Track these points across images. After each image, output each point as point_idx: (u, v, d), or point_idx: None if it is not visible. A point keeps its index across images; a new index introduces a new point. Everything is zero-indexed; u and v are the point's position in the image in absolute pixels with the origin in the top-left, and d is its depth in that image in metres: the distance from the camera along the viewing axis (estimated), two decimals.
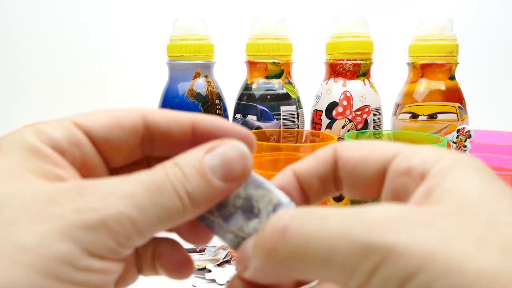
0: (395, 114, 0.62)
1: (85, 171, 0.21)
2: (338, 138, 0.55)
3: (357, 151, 0.20)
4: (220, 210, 0.21)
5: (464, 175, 0.17)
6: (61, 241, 0.16)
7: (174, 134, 0.22)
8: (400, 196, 0.19)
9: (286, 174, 0.22)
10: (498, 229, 0.14)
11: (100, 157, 0.21)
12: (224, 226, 0.21)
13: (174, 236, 0.24)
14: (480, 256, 0.13)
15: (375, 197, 0.21)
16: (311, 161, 0.22)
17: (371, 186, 0.20)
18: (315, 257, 0.15)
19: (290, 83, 0.59)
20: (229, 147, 0.20)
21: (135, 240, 0.18)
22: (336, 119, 0.57)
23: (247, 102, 0.58)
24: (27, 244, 0.15)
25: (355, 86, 0.57)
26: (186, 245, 0.24)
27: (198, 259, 0.48)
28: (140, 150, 0.22)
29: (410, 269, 0.14)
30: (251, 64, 0.59)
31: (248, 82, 0.59)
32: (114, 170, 0.22)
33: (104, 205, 0.17)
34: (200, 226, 0.22)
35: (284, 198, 0.20)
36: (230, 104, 0.62)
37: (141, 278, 0.24)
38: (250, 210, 0.20)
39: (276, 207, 0.20)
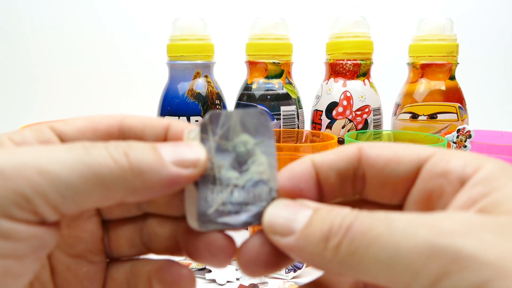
0: (395, 114, 0.62)
1: None
2: (338, 138, 0.55)
3: (388, 149, 0.20)
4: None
5: None
6: None
7: (148, 138, 0.21)
8: (433, 197, 0.19)
9: (304, 163, 0.21)
10: None
11: None
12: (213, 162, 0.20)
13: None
14: None
15: (400, 199, 0.20)
16: (332, 155, 0.21)
17: (400, 186, 0.20)
18: (378, 257, 0.15)
19: (290, 83, 0.59)
20: (184, 143, 0.19)
21: (53, 198, 0.15)
22: (336, 119, 0.57)
23: (247, 102, 0.58)
24: None
25: (355, 86, 0.57)
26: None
27: None
28: None
29: (483, 277, 0.13)
30: (251, 64, 0.59)
31: (248, 82, 0.59)
32: None
33: (5, 156, 0.15)
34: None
35: (274, 185, 0.20)
36: (230, 104, 0.62)
37: None
38: (240, 163, 0.20)
39: (258, 183, 0.20)
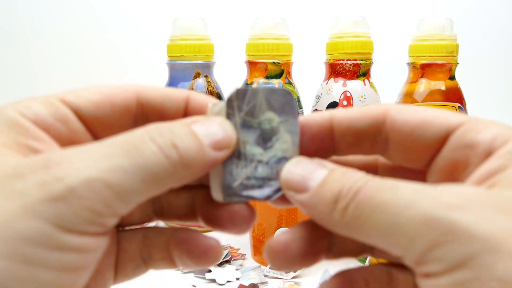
0: None
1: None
2: None
3: (418, 114, 0.19)
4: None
5: None
6: (26, 219, 0.14)
7: (169, 111, 0.21)
8: (459, 168, 0.19)
9: (324, 115, 0.21)
10: None
11: (90, 134, 0.20)
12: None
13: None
14: None
15: (425, 165, 0.20)
16: (355, 113, 0.20)
17: (425, 153, 0.19)
18: (380, 223, 0.15)
19: (290, 83, 0.59)
20: (211, 120, 0.19)
21: (117, 207, 0.16)
22: None
23: None
24: None
25: (355, 86, 0.57)
26: None
27: None
28: (133, 127, 0.21)
29: (472, 249, 0.14)
30: (251, 64, 0.59)
31: (248, 82, 0.59)
32: None
33: (71, 172, 0.15)
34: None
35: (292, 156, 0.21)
36: None
37: (141, 276, 0.24)
38: (265, 140, 0.21)
39: (281, 160, 0.21)
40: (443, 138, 0.19)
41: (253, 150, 0.21)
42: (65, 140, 0.19)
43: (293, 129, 0.21)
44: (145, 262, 0.22)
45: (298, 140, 0.21)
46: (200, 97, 0.21)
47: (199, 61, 0.57)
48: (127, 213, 0.16)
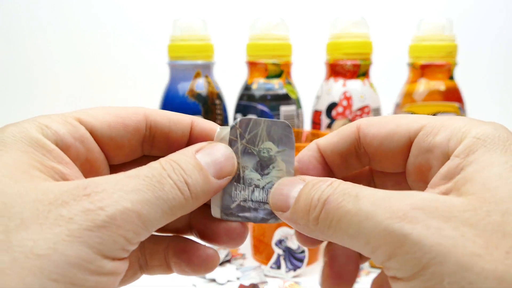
0: (395, 114, 0.62)
1: (89, 167, 0.21)
2: None
3: (382, 128, 0.22)
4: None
5: (487, 160, 0.17)
6: (72, 244, 0.16)
7: (174, 135, 0.23)
8: (423, 171, 0.20)
9: (311, 149, 0.24)
10: (509, 231, 0.15)
11: (103, 154, 0.22)
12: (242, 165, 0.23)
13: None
14: (487, 259, 0.14)
15: (402, 169, 0.22)
16: (334, 137, 0.23)
17: (397, 160, 0.22)
18: (346, 231, 0.18)
19: (290, 83, 0.59)
20: (215, 148, 0.21)
21: (142, 235, 0.18)
22: (336, 119, 0.57)
23: (247, 102, 0.58)
24: (38, 250, 0.15)
25: (355, 86, 0.57)
26: None
27: None
28: (140, 149, 0.23)
29: (423, 260, 0.15)
30: (251, 64, 0.59)
31: (248, 82, 0.59)
32: (114, 167, 0.23)
33: (111, 202, 0.17)
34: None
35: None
36: (230, 104, 0.62)
37: (142, 278, 0.24)
38: (262, 167, 0.23)
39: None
40: (407, 145, 0.21)
41: (252, 175, 0.23)
42: (83, 159, 0.21)
43: (289, 159, 0.23)
44: (141, 269, 0.24)
45: (292, 170, 0.23)
46: (203, 122, 0.23)
47: (199, 61, 0.58)
48: (144, 239, 0.18)
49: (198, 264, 0.23)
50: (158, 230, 0.24)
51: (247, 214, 0.23)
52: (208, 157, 0.20)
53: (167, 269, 0.24)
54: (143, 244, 0.23)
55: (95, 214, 0.16)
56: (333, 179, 0.19)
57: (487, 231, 0.15)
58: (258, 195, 0.23)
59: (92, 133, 0.21)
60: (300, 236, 0.23)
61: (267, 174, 0.23)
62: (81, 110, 0.22)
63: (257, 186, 0.23)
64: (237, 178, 0.23)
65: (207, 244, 0.24)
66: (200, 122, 0.23)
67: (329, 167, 0.24)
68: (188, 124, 0.23)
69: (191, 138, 0.23)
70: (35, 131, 0.19)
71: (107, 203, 0.17)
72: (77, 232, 0.16)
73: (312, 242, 0.23)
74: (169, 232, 0.25)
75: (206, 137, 0.23)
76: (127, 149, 0.22)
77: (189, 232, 0.24)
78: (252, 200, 0.23)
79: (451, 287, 0.15)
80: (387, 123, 0.22)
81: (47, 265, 0.15)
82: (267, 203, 0.23)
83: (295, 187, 0.21)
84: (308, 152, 0.24)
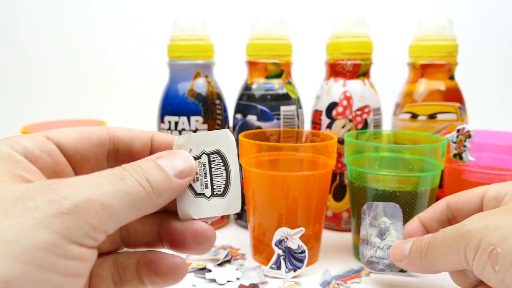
0: (395, 114, 0.62)
1: (56, 177, 0.22)
2: (338, 138, 0.55)
3: (463, 196, 0.37)
4: None
5: None
6: (39, 230, 0.17)
7: (136, 147, 0.25)
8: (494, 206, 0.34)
9: (415, 222, 0.40)
10: None
11: (70, 166, 0.24)
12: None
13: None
14: None
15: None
16: (431, 211, 0.39)
17: (476, 213, 0.32)
18: (439, 253, 0.32)
19: (290, 83, 0.59)
20: (174, 153, 0.23)
21: (107, 224, 0.19)
22: (336, 119, 0.57)
23: (247, 102, 0.58)
24: (6, 237, 0.16)
25: (355, 86, 0.57)
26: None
27: (198, 259, 0.48)
28: (106, 162, 0.25)
29: (479, 240, 0.28)
30: (251, 64, 0.59)
31: (248, 82, 0.59)
32: None
33: (74, 193, 0.18)
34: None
35: None
36: (230, 104, 0.62)
37: None
38: (381, 234, 0.43)
39: (390, 247, 0.43)
40: (480, 202, 0.36)
41: (375, 240, 0.41)
42: (50, 170, 0.22)
43: (398, 229, 0.40)
44: (116, 285, 0.25)
45: (401, 236, 0.40)
46: (161, 136, 0.26)
47: (199, 61, 0.58)
48: (111, 232, 0.20)
49: (166, 272, 0.24)
50: (129, 246, 0.27)
51: (372, 266, 0.42)
52: (167, 161, 0.23)
53: (140, 283, 0.25)
54: (117, 259, 0.25)
55: (60, 203, 0.18)
56: (431, 234, 0.34)
57: None
58: (379, 253, 0.41)
59: (59, 147, 0.23)
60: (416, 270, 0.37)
61: (385, 239, 0.40)
62: (50, 130, 0.24)
63: (378, 247, 0.41)
64: (367, 242, 0.41)
65: (175, 254, 0.25)
66: (159, 136, 0.25)
67: (427, 232, 0.38)
68: (148, 137, 0.25)
69: (152, 151, 0.25)
70: (5, 147, 0.21)
71: (71, 194, 0.18)
72: (43, 219, 0.17)
73: (424, 271, 0.36)
74: (141, 246, 0.26)
75: (165, 149, 0.25)
76: (93, 162, 0.24)
77: (160, 244, 0.26)
78: (376, 256, 0.41)
79: (494, 241, 0.27)
80: (463, 193, 0.37)
81: (15, 249, 0.16)
82: (386, 258, 0.41)
83: (407, 244, 0.36)
84: (412, 224, 0.40)
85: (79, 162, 0.24)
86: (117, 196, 0.19)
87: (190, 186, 0.25)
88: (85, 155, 0.24)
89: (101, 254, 0.25)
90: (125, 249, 0.27)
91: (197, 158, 0.25)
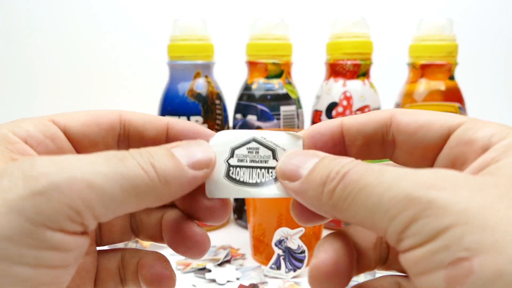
0: None
1: None
2: None
3: (421, 116, 0.20)
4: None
5: None
6: (6, 216, 0.14)
7: (150, 134, 0.23)
8: (457, 165, 0.19)
9: (334, 123, 0.22)
10: None
11: (76, 152, 0.22)
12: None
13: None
14: None
15: (429, 165, 0.21)
16: (363, 117, 0.22)
17: (428, 152, 0.20)
18: (364, 203, 0.16)
19: (290, 83, 0.59)
20: (192, 143, 0.20)
21: (97, 210, 0.16)
22: None
23: (247, 102, 0.58)
24: None
25: (355, 86, 0.57)
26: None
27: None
28: (117, 148, 0.23)
29: (445, 223, 0.14)
30: (251, 64, 0.59)
31: (248, 82, 0.59)
32: None
33: (56, 170, 0.15)
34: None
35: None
36: (230, 104, 0.62)
37: None
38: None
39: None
40: (444, 137, 0.20)
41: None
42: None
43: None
44: (122, 282, 0.24)
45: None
46: (181, 123, 0.23)
47: (199, 61, 0.58)
48: (106, 220, 0.17)
49: (152, 281, 0.23)
50: (139, 237, 0.24)
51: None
52: (182, 150, 0.19)
53: (137, 286, 0.24)
54: (124, 255, 0.24)
55: (35, 180, 0.15)
56: (353, 158, 0.18)
57: None
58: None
59: (65, 132, 0.21)
60: (299, 211, 0.21)
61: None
62: (58, 113, 0.22)
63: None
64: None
65: (165, 264, 0.24)
66: (178, 124, 0.23)
67: (345, 149, 0.22)
68: (163, 124, 0.23)
69: (169, 140, 0.22)
70: (5, 129, 0.19)
71: (52, 170, 0.15)
72: (12, 202, 0.15)
73: (312, 219, 0.21)
74: (147, 239, 0.24)
75: (186, 138, 0.22)
76: (102, 147, 0.22)
77: (162, 240, 0.24)
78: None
79: (470, 245, 0.13)
80: (425, 114, 0.21)
81: None
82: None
83: (309, 160, 0.19)
84: (329, 125, 0.22)
85: (87, 147, 0.22)
86: (111, 178, 0.16)
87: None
88: (93, 139, 0.22)
89: (111, 247, 0.24)
90: (136, 245, 0.26)
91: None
